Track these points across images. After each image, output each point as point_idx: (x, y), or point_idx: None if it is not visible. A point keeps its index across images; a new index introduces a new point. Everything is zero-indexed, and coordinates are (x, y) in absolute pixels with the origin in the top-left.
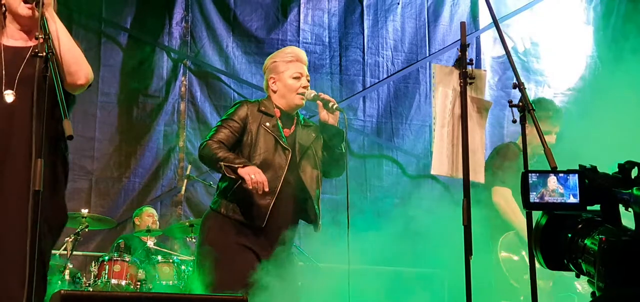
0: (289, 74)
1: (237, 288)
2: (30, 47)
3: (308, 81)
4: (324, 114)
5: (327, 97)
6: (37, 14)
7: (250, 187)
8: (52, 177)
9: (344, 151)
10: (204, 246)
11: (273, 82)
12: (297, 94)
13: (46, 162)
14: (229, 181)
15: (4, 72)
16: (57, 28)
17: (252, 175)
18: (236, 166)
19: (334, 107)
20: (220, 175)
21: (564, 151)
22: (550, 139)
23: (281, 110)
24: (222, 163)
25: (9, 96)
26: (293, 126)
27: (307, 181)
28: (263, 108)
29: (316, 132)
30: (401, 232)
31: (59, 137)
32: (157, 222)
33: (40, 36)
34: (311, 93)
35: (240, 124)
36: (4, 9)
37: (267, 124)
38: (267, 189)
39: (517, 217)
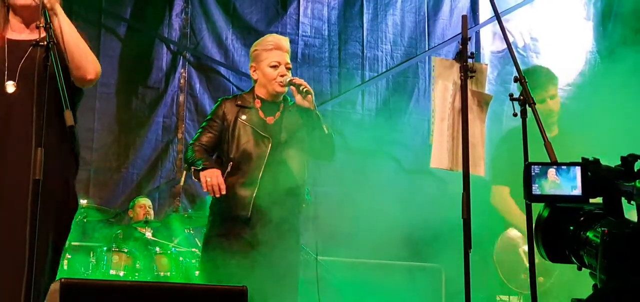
0: (267, 63)
1: (233, 278)
2: (33, 40)
3: (288, 69)
4: (298, 98)
5: (298, 80)
6: (37, 2)
7: (205, 190)
8: (62, 166)
9: (327, 131)
10: (205, 242)
11: (253, 71)
12: (275, 82)
13: (55, 152)
14: None
15: (6, 65)
16: (64, 22)
17: (208, 178)
18: (198, 168)
19: (304, 90)
20: None
21: (563, 146)
22: (545, 107)
23: (262, 99)
24: (189, 166)
25: (10, 87)
26: (278, 113)
27: (295, 166)
28: (240, 102)
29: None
30: (399, 226)
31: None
32: (151, 212)
33: (41, 25)
34: (286, 79)
35: (219, 122)
36: (6, 1)
37: (244, 116)
38: (224, 192)
39: (514, 216)
